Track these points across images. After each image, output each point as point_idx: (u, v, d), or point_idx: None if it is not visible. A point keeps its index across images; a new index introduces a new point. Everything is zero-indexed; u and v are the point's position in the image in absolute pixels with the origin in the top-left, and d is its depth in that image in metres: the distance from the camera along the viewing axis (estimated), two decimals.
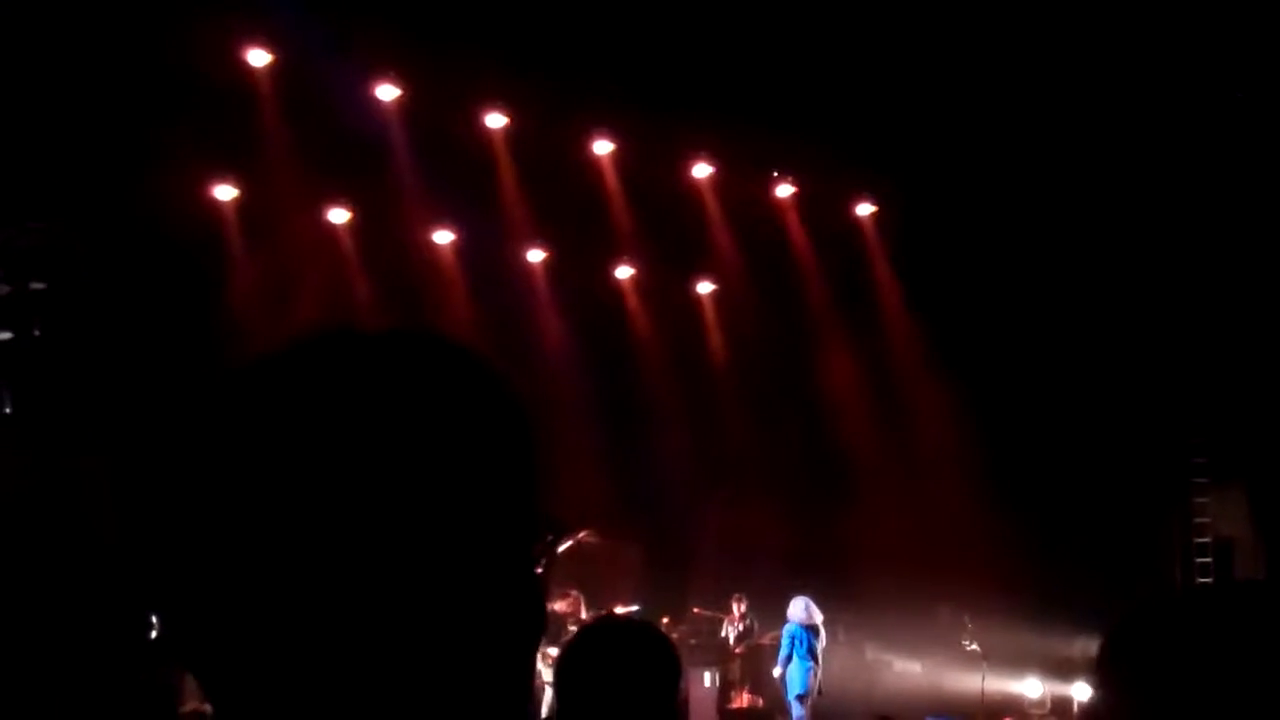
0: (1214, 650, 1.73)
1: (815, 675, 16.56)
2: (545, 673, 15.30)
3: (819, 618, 16.67)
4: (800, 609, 16.66)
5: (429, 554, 1.01)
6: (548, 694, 15.48)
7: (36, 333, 13.19)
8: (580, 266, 18.91)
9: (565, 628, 15.45)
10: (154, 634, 14.34)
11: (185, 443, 1.07)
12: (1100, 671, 1.86)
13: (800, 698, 16.52)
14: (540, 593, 1.10)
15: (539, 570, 1.11)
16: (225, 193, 16.69)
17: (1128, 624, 1.86)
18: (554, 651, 15.50)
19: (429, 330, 1.11)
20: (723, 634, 18.49)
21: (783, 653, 16.65)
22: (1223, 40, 14.43)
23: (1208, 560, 18.48)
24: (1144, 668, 1.78)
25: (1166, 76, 15.02)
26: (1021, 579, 16.89)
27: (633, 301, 19.79)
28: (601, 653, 2.92)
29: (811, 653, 16.51)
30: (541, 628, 1.10)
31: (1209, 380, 17.66)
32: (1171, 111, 15.47)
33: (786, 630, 16.69)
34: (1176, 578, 18.90)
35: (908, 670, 18.67)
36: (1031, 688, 18.21)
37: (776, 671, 16.86)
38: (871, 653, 18.86)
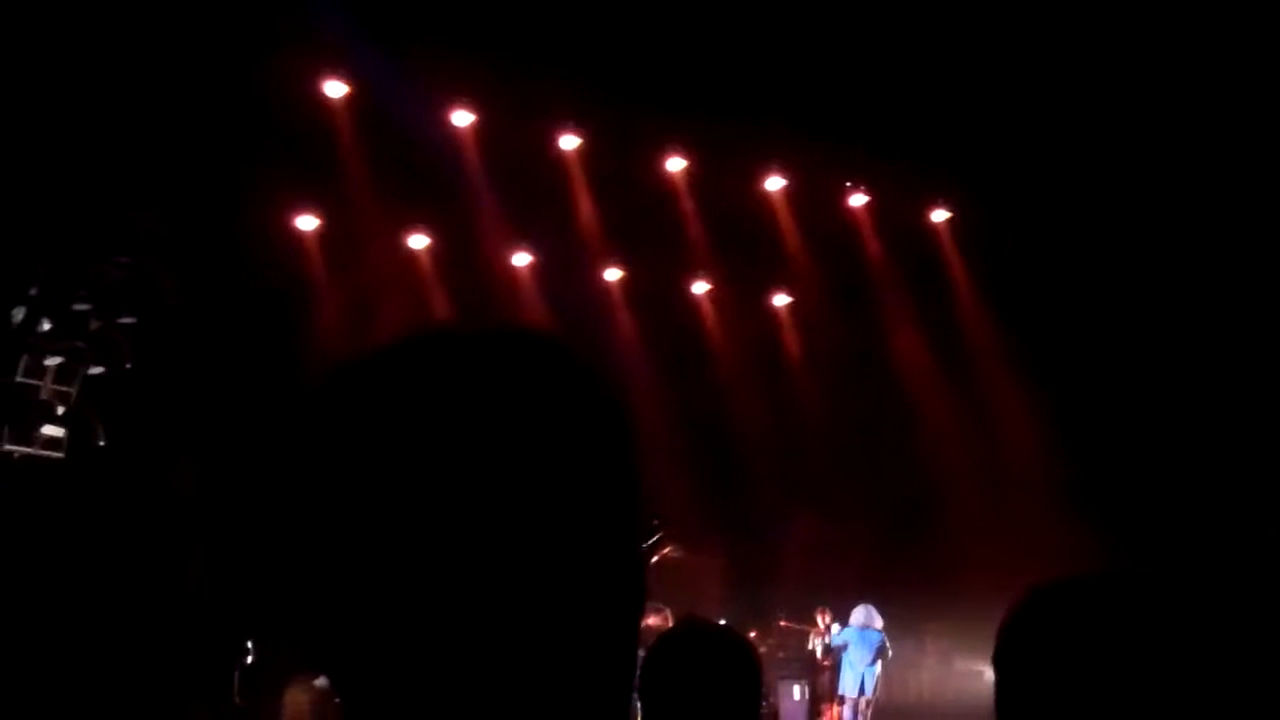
0: (1090, 640, 1.77)
1: (872, 678, 16.67)
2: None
3: (878, 623, 16.75)
4: (860, 614, 16.79)
5: (545, 548, 1.04)
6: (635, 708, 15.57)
7: (128, 366, 13.41)
8: (657, 283, 18.96)
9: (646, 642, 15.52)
10: (250, 659, 14.56)
11: (301, 447, 1.09)
12: (994, 662, 1.90)
13: (844, 699, 16.59)
14: (643, 582, 1.12)
15: (643, 566, 1.13)
16: (308, 223, 16.92)
17: (1013, 615, 1.92)
18: None
19: (526, 328, 1.14)
20: (810, 646, 18.46)
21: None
22: None
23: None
24: (1025, 657, 1.83)
25: (1252, 74, 14.85)
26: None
27: (710, 316, 19.82)
28: (683, 658, 2.93)
29: (867, 657, 16.61)
30: (641, 611, 1.13)
31: None
32: (1260, 109, 15.28)
33: (845, 634, 16.86)
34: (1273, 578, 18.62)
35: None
36: None
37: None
38: (961, 663, 18.74)
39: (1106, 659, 1.77)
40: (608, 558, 1.08)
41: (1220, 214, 16.65)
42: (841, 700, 16.61)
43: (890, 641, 19.31)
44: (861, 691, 16.65)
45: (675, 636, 3.05)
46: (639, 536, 1.13)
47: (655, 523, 14.27)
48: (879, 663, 16.77)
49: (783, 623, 18.58)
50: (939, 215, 19.19)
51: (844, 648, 16.83)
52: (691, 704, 2.86)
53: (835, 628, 18.16)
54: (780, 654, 17.89)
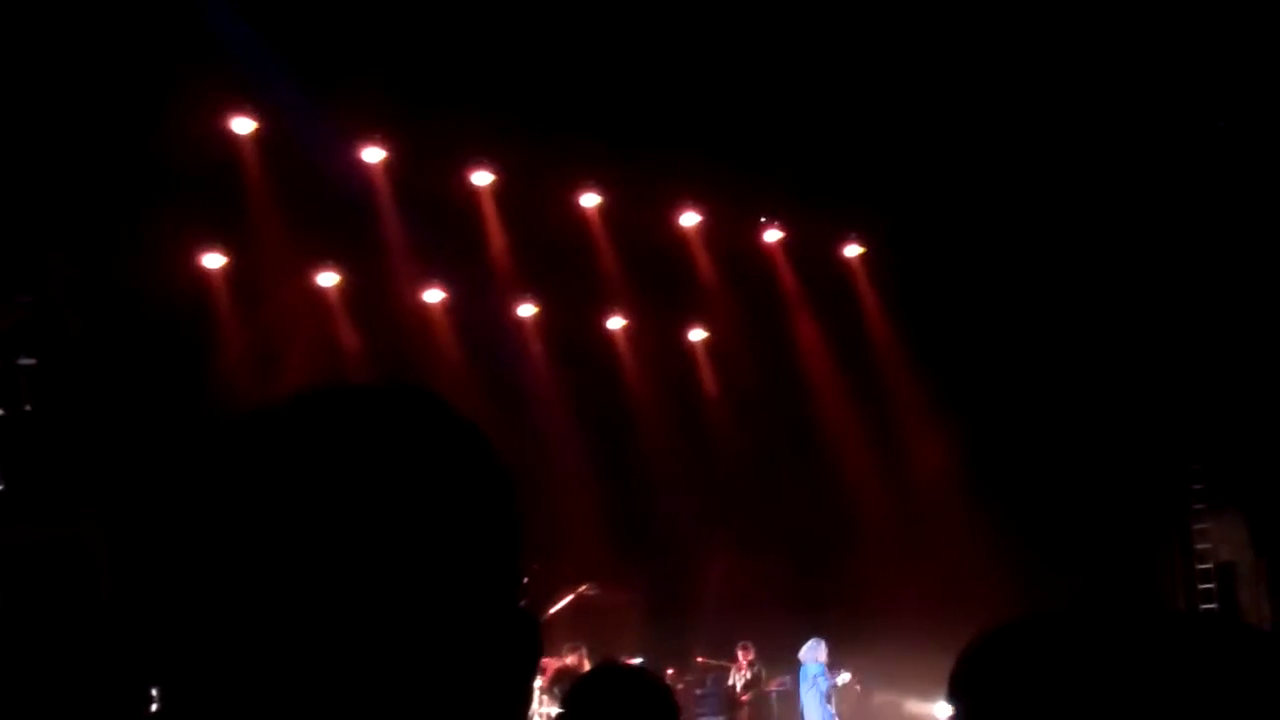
0: (1053, 677, 1.74)
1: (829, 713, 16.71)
2: None
3: (818, 654, 16.82)
4: (809, 649, 16.82)
5: (418, 605, 1.03)
6: None
7: (27, 408, 13.13)
8: (571, 319, 18.91)
9: (565, 683, 15.39)
10: (154, 706, 14.24)
11: (178, 498, 1.08)
12: (950, 695, 1.87)
13: None
14: (534, 637, 1.12)
15: (532, 617, 1.13)
16: (213, 261, 16.70)
17: (974, 649, 1.87)
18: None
19: (413, 386, 1.14)
20: (729, 682, 18.40)
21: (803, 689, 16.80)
22: (1208, 71, 14.51)
23: (1210, 586, 18.43)
24: (986, 693, 1.81)
25: (1152, 107, 15.09)
26: (1024, 611, 16.80)
27: (625, 352, 19.78)
28: (600, 699, 2.97)
29: (823, 693, 16.65)
30: (532, 672, 1.13)
31: (1206, 406, 17.67)
32: (1159, 139, 15.54)
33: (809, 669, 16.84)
34: (1180, 605, 18.84)
35: (919, 712, 18.52)
36: None
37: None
38: (880, 695, 18.73)
39: (1065, 700, 1.74)
40: (484, 613, 1.08)
41: (1125, 249, 16.89)
42: None
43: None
44: None
45: (593, 677, 3.13)
46: (520, 592, 1.13)
47: (529, 577, 14.19)
48: (811, 692, 16.78)
49: (700, 659, 18.50)
50: (852, 250, 19.31)
51: (811, 680, 16.86)
52: None
53: (757, 664, 18.17)
54: (698, 690, 17.80)
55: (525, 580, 1.17)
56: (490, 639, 1.07)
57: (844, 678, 17.37)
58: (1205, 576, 18.52)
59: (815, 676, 16.75)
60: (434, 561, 1.04)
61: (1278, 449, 16.61)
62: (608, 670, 3.21)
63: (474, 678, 1.05)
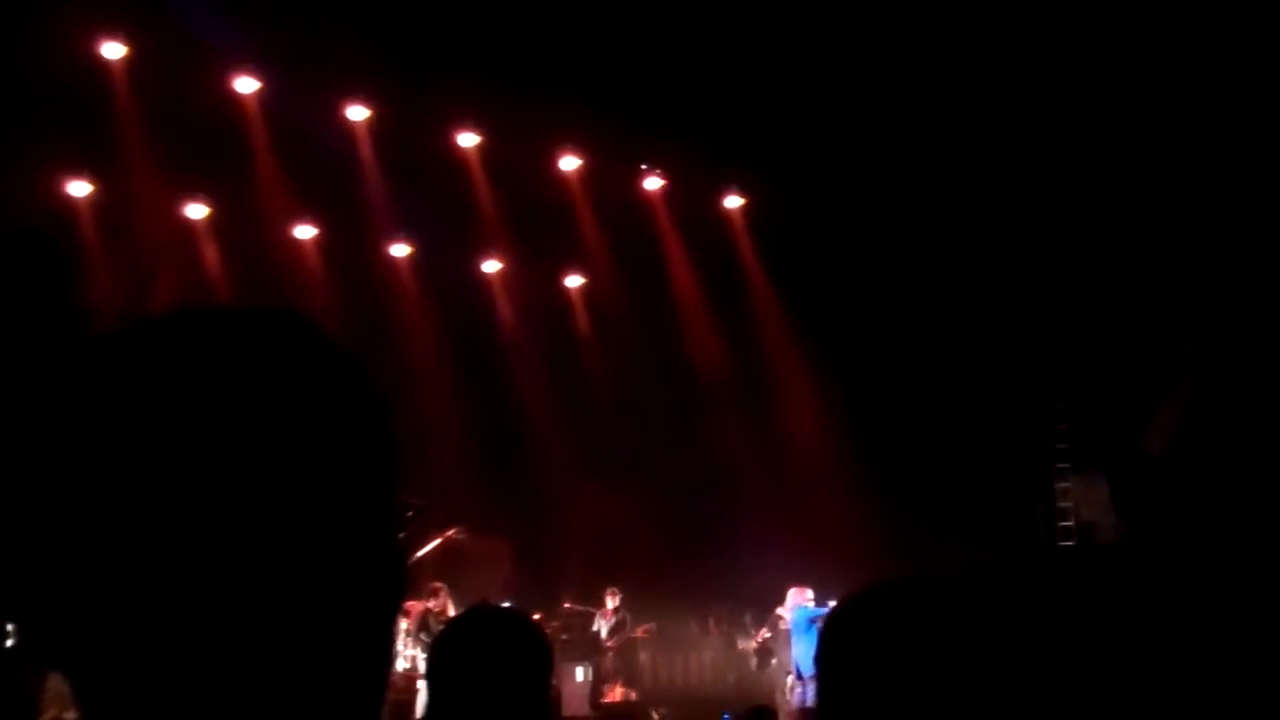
0: (898, 642, 1.91)
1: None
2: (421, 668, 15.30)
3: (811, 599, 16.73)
4: (793, 595, 16.75)
5: (283, 534, 1.00)
6: (422, 693, 15.39)
7: None
8: (447, 261, 18.76)
9: (433, 625, 15.37)
10: (10, 641, 13.94)
11: (28, 426, 1.03)
12: (815, 664, 2.06)
13: (803, 678, 16.53)
14: (400, 571, 1.10)
15: (401, 551, 1.10)
16: (79, 189, 16.29)
17: (830, 621, 2.06)
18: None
19: (284, 309, 1.10)
20: (594, 628, 18.49)
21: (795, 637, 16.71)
22: (1086, 35, 14.69)
23: (1070, 544, 18.84)
24: (839, 661, 1.98)
25: (1030, 66, 15.26)
26: (888, 566, 17.01)
27: (501, 296, 19.68)
28: (471, 641, 2.95)
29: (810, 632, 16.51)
30: (397, 607, 1.11)
31: (1070, 366, 17.99)
32: (1035, 98, 15.72)
33: (793, 616, 16.80)
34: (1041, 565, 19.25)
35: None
36: None
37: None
38: (743, 643, 18.92)
39: (913, 659, 1.91)
40: (355, 545, 1.04)
41: (997, 206, 17.10)
42: (801, 678, 16.53)
43: (675, 623, 19.45)
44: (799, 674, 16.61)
45: (465, 619, 3.10)
46: (392, 525, 1.09)
47: (410, 514, 14.12)
48: (804, 639, 16.64)
49: (567, 605, 18.56)
50: (733, 201, 19.33)
51: (790, 629, 16.77)
52: (482, 685, 2.87)
53: (623, 610, 18.26)
54: (564, 636, 17.84)
55: (407, 513, 1.12)
56: (357, 570, 1.04)
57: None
58: (1066, 535, 18.93)
59: (809, 620, 16.60)
60: (300, 485, 1.01)
61: (1140, 413, 16.95)
62: (480, 612, 3.19)
63: (338, 609, 1.03)
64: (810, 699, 16.00)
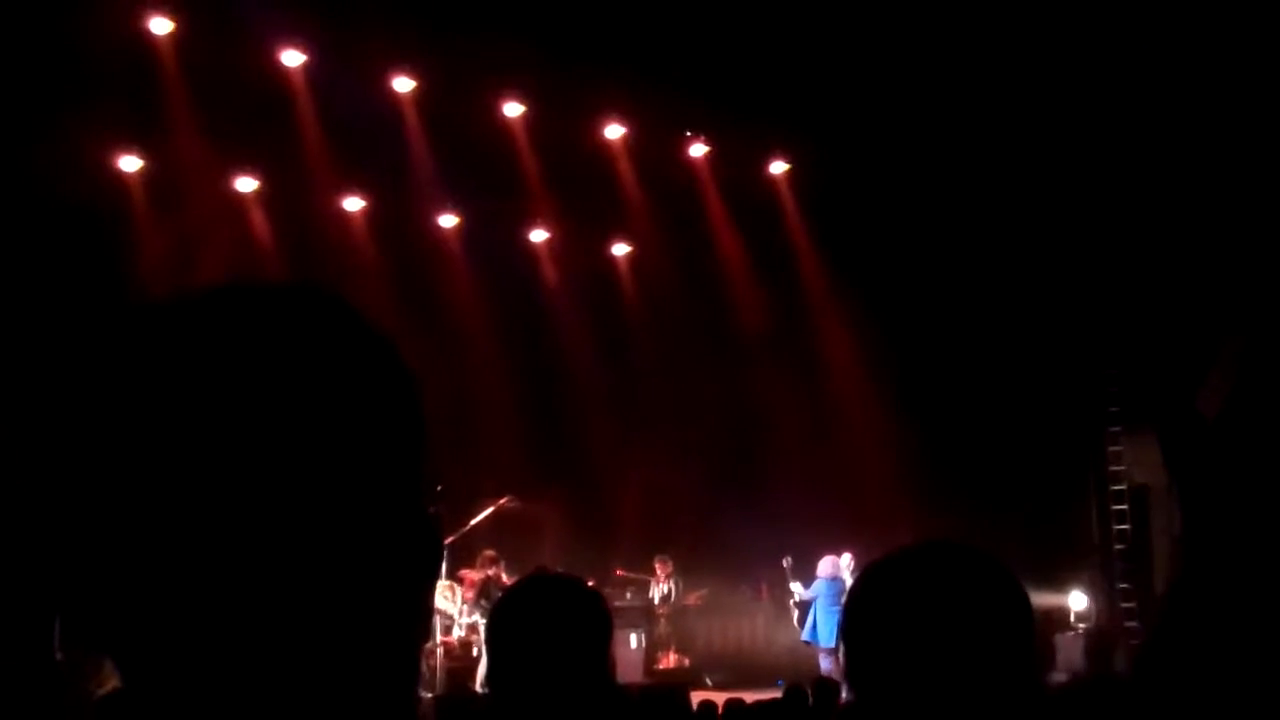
0: (917, 608, 1.96)
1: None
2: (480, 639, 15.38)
3: (845, 572, 16.69)
4: (828, 565, 16.77)
5: (315, 509, 1.02)
6: (483, 659, 15.50)
7: None
8: (494, 231, 18.78)
9: (493, 592, 15.47)
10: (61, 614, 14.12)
11: (72, 401, 1.05)
12: (841, 634, 2.11)
13: (829, 650, 16.53)
14: (435, 544, 1.12)
15: (434, 524, 1.12)
16: (130, 164, 16.42)
17: (853, 590, 2.12)
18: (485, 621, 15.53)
19: (317, 285, 1.11)
20: (649, 595, 18.56)
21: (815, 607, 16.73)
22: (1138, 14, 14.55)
23: (1123, 508, 18.73)
24: (865, 628, 2.02)
25: (1086, 27, 15.10)
26: (938, 530, 16.97)
27: (548, 265, 19.71)
28: (532, 608, 2.96)
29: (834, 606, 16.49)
30: (433, 578, 1.12)
31: (1123, 329, 17.84)
32: (1084, 61, 15.57)
33: (815, 586, 16.81)
34: (1094, 525, 19.16)
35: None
36: None
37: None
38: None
39: (933, 624, 1.95)
40: (386, 520, 1.06)
41: (1046, 167, 16.96)
42: (825, 651, 16.54)
43: (727, 589, 19.47)
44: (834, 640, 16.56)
45: (524, 586, 3.10)
46: (422, 501, 1.11)
47: (439, 488, 14.17)
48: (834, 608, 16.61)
49: (619, 572, 18.63)
50: (778, 167, 19.26)
51: (814, 599, 16.79)
52: (543, 652, 2.89)
53: (675, 576, 18.34)
54: (616, 603, 17.90)
55: (438, 487, 1.14)
56: (388, 545, 1.06)
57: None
58: (1120, 498, 18.81)
59: (830, 592, 16.61)
60: (333, 461, 1.03)
61: (1193, 373, 16.79)
62: (540, 579, 3.17)
63: (371, 583, 1.04)
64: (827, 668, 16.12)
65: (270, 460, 1.01)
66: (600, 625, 3.00)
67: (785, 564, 17.75)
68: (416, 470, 1.10)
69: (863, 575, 2.09)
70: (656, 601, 18.50)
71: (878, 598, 2.02)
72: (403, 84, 16.82)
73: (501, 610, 3.01)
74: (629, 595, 18.54)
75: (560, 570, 15.66)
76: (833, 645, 16.33)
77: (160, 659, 1.02)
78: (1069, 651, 17.35)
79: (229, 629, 1.00)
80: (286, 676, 1.02)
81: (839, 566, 16.85)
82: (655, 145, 18.34)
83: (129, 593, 1.01)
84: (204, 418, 1.00)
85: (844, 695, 9.90)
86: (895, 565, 2.05)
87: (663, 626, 18.58)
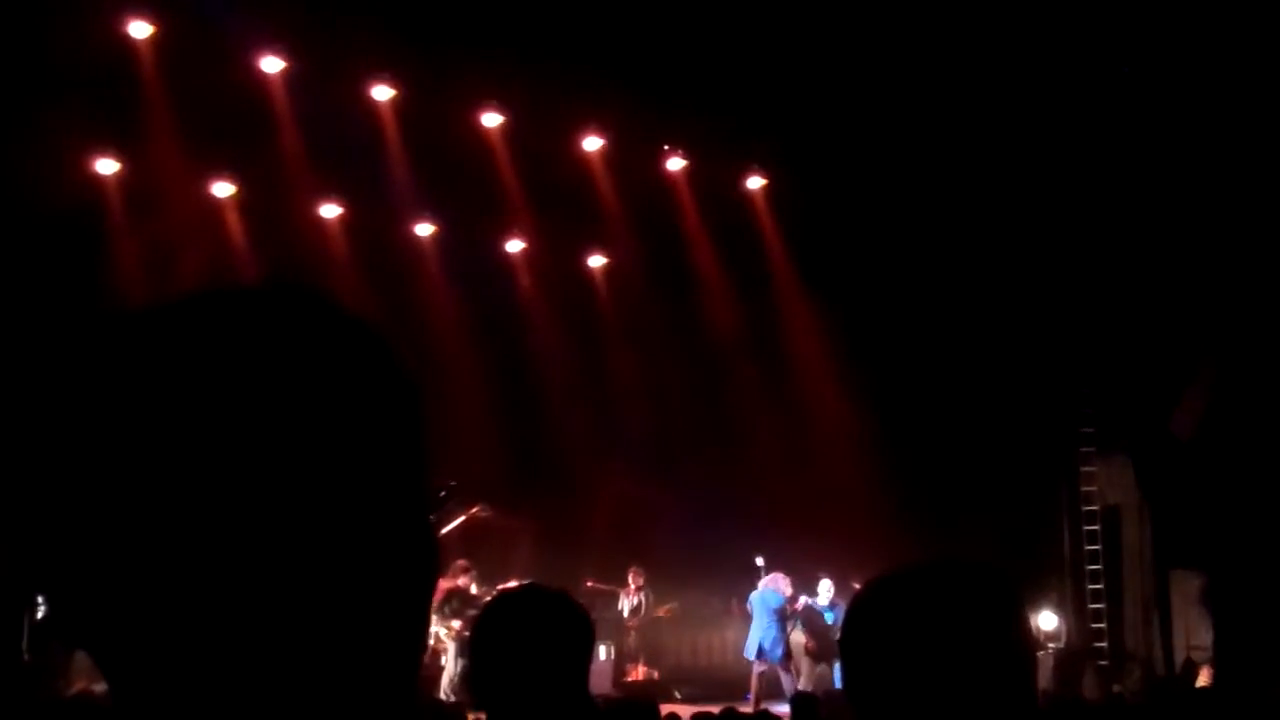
0: (917, 625, 1.97)
1: (776, 640, 16.58)
2: (449, 645, 15.38)
3: (781, 586, 16.74)
4: (764, 578, 16.86)
5: (312, 513, 0.99)
6: (449, 665, 15.49)
7: None
8: (471, 241, 18.79)
9: (454, 602, 15.49)
10: (40, 614, 14.05)
11: (56, 404, 1.02)
12: (839, 648, 2.11)
13: (758, 657, 16.61)
14: (434, 550, 1.09)
15: (433, 534, 1.10)
16: (107, 166, 16.37)
17: (852, 606, 2.10)
18: (456, 624, 15.51)
19: (308, 286, 1.08)
20: (618, 607, 18.54)
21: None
22: (1112, 15, 14.61)
23: (1095, 528, 18.82)
24: (862, 644, 2.02)
25: (1056, 48, 15.17)
26: (911, 548, 17.05)
27: (524, 275, 19.71)
28: (519, 618, 3.00)
29: (763, 619, 16.59)
30: (432, 590, 1.10)
31: (1095, 351, 17.91)
32: (1060, 83, 15.65)
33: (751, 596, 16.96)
34: (1066, 545, 19.23)
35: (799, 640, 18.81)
36: None
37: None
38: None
39: (930, 642, 1.96)
40: (386, 525, 1.04)
41: (1021, 186, 17.03)
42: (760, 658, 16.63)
43: (698, 603, 19.48)
44: (760, 654, 16.62)
45: (511, 597, 3.14)
46: (424, 505, 1.08)
47: (443, 494, 14.15)
48: (778, 624, 16.65)
49: (590, 583, 18.61)
50: (754, 182, 19.30)
51: (762, 609, 16.88)
52: (527, 662, 2.94)
53: (646, 589, 18.35)
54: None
55: (441, 494, 1.13)
56: (389, 551, 1.03)
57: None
58: (1091, 519, 18.90)
59: (760, 605, 16.71)
60: (330, 465, 1.00)
61: (1165, 396, 16.90)
62: (527, 590, 3.22)
63: (370, 590, 1.02)
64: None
65: (269, 463, 0.98)
66: (585, 639, 3.04)
67: (758, 562, 17.77)
68: (417, 473, 1.08)
69: (864, 591, 2.09)
70: (626, 614, 18.49)
71: (879, 614, 2.02)
72: (382, 92, 16.80)
73: (488, 617, 3.03)
74: (599, 607, 18.51)
75: (528, 580, 15.68)
76: (754, 658, 16.57)
77: (155, 668, 1.00)
78: (1038, 672, 17.39)
79: (224, 636, 0.98)
80: (284, 684, 1.00)
81: (776, 580, 16.93)
82: (633, 158, 18.35)
83: (128, 596, 0.98)
84: (204, 419, 0.98)
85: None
86: (898, 582, 2.05)
87: (633, 639, 18.58)
